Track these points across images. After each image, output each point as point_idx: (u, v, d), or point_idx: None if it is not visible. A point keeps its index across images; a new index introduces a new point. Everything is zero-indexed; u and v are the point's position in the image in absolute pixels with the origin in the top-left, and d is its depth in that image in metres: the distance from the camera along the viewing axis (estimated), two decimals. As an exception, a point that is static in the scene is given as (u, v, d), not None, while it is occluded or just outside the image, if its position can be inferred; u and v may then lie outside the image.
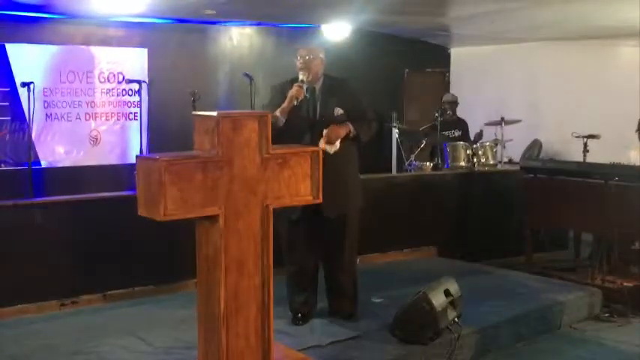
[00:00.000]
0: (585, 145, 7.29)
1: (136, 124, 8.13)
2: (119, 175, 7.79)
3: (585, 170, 6.13)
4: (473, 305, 4.75)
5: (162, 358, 4.05)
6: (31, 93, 6.75)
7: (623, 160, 6.40)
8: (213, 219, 3.11)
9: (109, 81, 8.24)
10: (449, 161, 7.55)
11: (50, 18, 7.79)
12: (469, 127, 8.58)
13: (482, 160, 7.51)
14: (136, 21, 8.19)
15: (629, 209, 5.59)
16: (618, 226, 5.66)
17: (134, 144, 8.13)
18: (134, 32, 8.35)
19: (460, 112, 8.70)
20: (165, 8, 7.60)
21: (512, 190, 6.89)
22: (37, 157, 7.68)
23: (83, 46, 8.10)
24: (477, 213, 6.87)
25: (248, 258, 3.22)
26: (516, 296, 5.36)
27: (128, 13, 7.68)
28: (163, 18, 8.31)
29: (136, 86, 7.63)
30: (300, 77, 4.43)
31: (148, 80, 7.96)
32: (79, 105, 8.07)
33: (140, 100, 7.61)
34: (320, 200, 3.46)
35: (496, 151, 7.79)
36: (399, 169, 8.17)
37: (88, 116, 8.14)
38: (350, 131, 4.42)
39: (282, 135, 4.35)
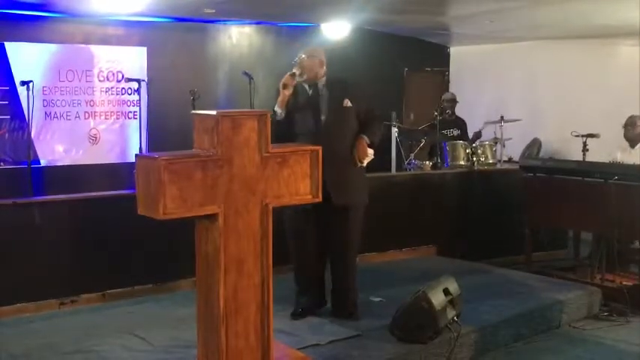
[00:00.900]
0: (585, 144, 7.29)
1: (135, 123, 8.12)
2: (118, 173, 7.79)
3: (585, 169, 6.12)
4: (472, 304, 4.76)
5: (162, 357, 4.05)
6: (31, 92, 6.74)
7: (610, 159, 6.44)
8: (212, 218, 3.11)
9: (108, 80, 8.23)
10: (448, 160, 7.54)
11: (49, 17, 7.78)
12: (468, 126, 8.57)
13: (482, 159, 7.50)
14: (136, 20, 8.18)
15: (629, 208, 5.58)
16: (618, 225, 5.66)
17: (133, 143, 8.12)
18: (133, 31, 8.34)
19: (460, 112, 8.69)
20: (165, 7, 7.60)
21: (511, 190, 6.88)
22: (36, 155, 7.68)
23: (82, 45, 8.10)
24: (477, 212, 6.87)
25: (247, 257, 3.22)
26: (516, 295, 5.36)
27: (127, 12, 7.68)
28: (163, 17, 8.30)
29: (135, 85, 7.61)
30: (294, 70, 4.46)
31: (148, 79, 7.95)
32: (78, 104, 8.06)
33: (139, 98, 7.60)
34: (320, 199, 3.46)
35: (496, 150, 7.78)
36: (399, 168, 8.16)
37: (87, 115, 8.14)
38: (367, 142, 4.52)
39: (292, 133, 4.36)
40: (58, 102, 7.92)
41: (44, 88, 7.78)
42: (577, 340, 4.98)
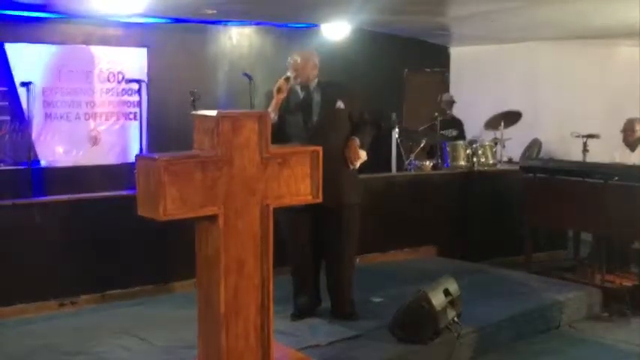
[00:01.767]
0: (585, 144, 7.29)
1: (135, 124, 8.13)
2: (119, 174, 7.77)
3: (585, 170, 6.13)
4: (472, 305, 4.75)
5: (162, 358, 4.05)
6: (31, 92, 6.75)
7: (609, 160, 6.43)
8: (212, 219, 3.11)
9: (108, 81, 8.23)
10: (448, 161, 7.55)
11: (50, 18, 7.78)
12: (468, 126, 8.57)
13: (482, 160, 7.50)
14: (136, 21, 8.18)
15: (629, 209, 5.58)
16: (618, 226, 5.66)
17: (134, 144, 8.13)
18: (134, 32, 8.35)
19: (460, 112, 8.70)
20: (165, 8, 7.60)
21: (511, 190, 6.88)
22: (36, 156, 7.68)
23: (83, 46, 8.10)
24: (477, 213, 6.87)
25: (248, 258, 3.22)
26: (516, 296, 5.36)
27: (128, 13, 7.68)
28: (163, 18, 8.30)
29: (135, 86, 7.62)
30: (288, 74, 4.47)
31: (148, 80, 7.95)
32: (78, 105, 8.06)
33: (140, 99, 7.60)
34: (320, 200, 3.46)
35: (496, 151, 7.78)
36: (399, 168, 8.16)
37: (87, 116, 8.14)
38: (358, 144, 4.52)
39: (283, 134, 4.38)
40: (58, 103, 7.92)
41: (44, 89, 7.78)
42: (577, 341, 4.98)
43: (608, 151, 6.80)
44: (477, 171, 7.33)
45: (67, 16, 7.85)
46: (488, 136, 8.19)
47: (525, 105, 9.17)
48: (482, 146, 7.61)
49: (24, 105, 7.12)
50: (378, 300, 5.03)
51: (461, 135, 8.39)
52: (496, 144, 7.87)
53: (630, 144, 6.62)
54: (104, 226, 5.15)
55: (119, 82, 8.26)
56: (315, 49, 4.88)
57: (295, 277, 4.71)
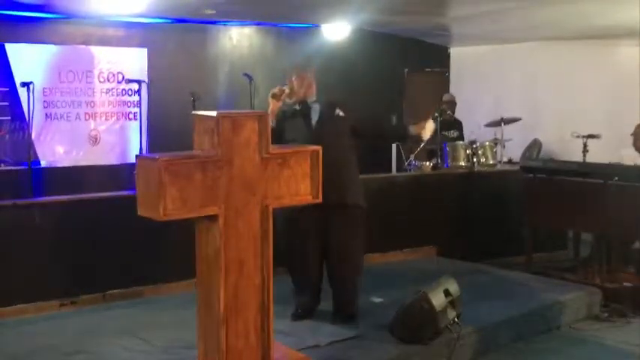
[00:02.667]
0: (585, 144, 7.29)
1: (135, 124, 8.12)
2: (119, 174, 7.79)
3: (585, 170, 6.13)
4: (472, 305, 4.76)
5: (162, 358, 4.05)
6: (31, 93, 6.73)
7: (618, 160, 6.42)
8: (212, 219, 3.11)
9: (108, 81, 8.23)
10: (448, 161, 7.55)
11: (50, 18, 7.78)
12: (468, 126, 8.58)
13: (482, 160, 7.50)
14: (136, 21, 8.18)
15: (629, 209, 5.58)
16: (618, 226, 5.66)
17: (134, 144, 8.13)
18: (134, 32, 8.35)
19: (460, 112, 8.69)
20: (165, 8, 7.60)
21: (511, 190, 6.88)
22: (36, 156, 7.68)
23: (83, 46, 8.10)
24: (477, 213, 6.87)
25: (248, 258, 3.22)
26: (516, 296, 5.36)
27: (128, 13, 7.68)
28: (163, 18, 8.31)
29: (135, 86, 7.62)
30: (284, 88, 4.53)
31: (148, 80, 7.95)
32: (78, 105, 8.06)
33: (140, 99, 7.60)
34: (320, 200, 3.46)
35: (496, 151, 7.78)
36: (399, 169, 8.16)
37: (87, 116, 8.14)
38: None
39: (280, 141, 4.36)
40: (58, 103, 7.92)
41: (44, 89, 7.78)
42: (577, 341, 4.98)
43: (608, 151, 6.80)
44: (477, 171, 7.33)
45: (67, 16, 7.85)
46: (488, 135, 8.19)
47: (525, 105, 9.18)
48: (483, 146, 7.61)
49: (24, 105, 7.10)
50: (378, 300, 5.04)
51: (461, 136, 8.40)
52: (496, 144, 7.87)
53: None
54: (104, 226, 5.15)
55: (119, 82, 8.26)
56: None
57: (296, 276, 4.71)
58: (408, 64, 10.30)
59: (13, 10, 7.44)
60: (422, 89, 10.29)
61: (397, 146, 8.17)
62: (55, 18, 7.82)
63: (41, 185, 7.41)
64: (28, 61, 7.69)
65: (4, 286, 4.74)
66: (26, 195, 6.45)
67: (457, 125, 8.51)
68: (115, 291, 5.18)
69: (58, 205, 5.21)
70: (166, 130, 7.90)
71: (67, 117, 8.00)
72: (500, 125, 8.02)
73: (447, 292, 4.34)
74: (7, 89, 7.60)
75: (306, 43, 9.12)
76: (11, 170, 7.52)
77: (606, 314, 5.44)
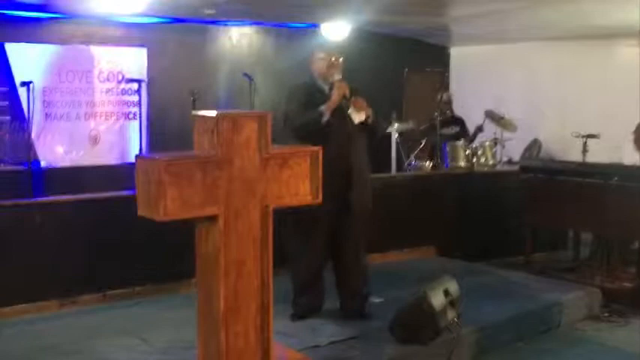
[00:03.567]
0: (585, 144, 7.29)
1: (135, 124, 8.12)
2: (119, 174, 7.77)
3: (585, 170, 6.13)
4: (472, 305, 4.76)
5: (162, 358, 4.06)
6: (31, 92, 6.74)
7: (618, 158, 6.41)
8: (212, 219, 3.11)
9: (108, 80, 8.24)
10: (448, 161, 7.55)
11: (50, 17, 7.78)
12: (467, 126, 8.57)
13: (482, 160, 7.50)
14: (136, 20, 8.19)
15: (629, 209, 5.59)
16: (618, 226, 5.66)
17: (134, 144, 8.13)
18: (133, 32, 8.35)
19: (460, 113, 8.69)
20: (165, 8, 7.60)
21: (511, 190, 6.88)
22: (36, 156, 7.67)
23: (83, 46, 8.10)
24: (477, 213, 6.87)
25: (248, 258, 3.22)
26: (516, 296, 5.36)
27: (128, 13, 7.68)
28: (163, 17, 8.31)
29: (135, 86, 7.62)
30: (336, 77, 4.48)
31: (148, 80, 7.96)
32: (78, 104, 8.07)
33: (140, 99, 7.61)
34: (320, 200, 3.46)
35: (495, 151, 7.78)
36: (399, 169, 8.16)
37: (87, 116, 8.14)
38: (369, 116, 4.51)
39: (327, 139, 4.25)
40: (58, 103, 7.92)
41: (44, 89, 7.78)
42: (577, 341, 4.98)
43: (608, 151, 6.80)
44: (477, 171, 7.33)
45: (67, 16, 7.85)
46: (489, 131, 8.18)
47: (525, 105, 9.18)
48: (482, 146, 7.62)
49: (24, 105, 7.10)
50: (378, 300, 5.03)
51: (464, 131, 8.36)
52: (496, 144, 7.87)
53: None
54: (104, 226, 5.15)
55: (119, 82, 8.26)
56: (315, 49, 4.88)
57: (299, 277, 4.68)
58: (408, 64, 10.31)
59: (13, 10, 7.45)
60: (422, 89, 10.29)
61: (397, 146, 8.16)
62: (55, 18, 7.82)
63: (41, 185, 7.41)
64: (28, 61, 7.70)
65: (4, 286, 4.73)
66: (26, 195, 6.44)
67: (457, 122, 8.50)
68: (114, 291, 5.17)
69: (57, 205, 5.21)
70: (166, 130, 7.91)
71: (67, 117, 8.00)
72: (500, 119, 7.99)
73: (447, 292, 4.34)
74: (7, 89, 7.60)
75: (306, 43, 9.10)
76: (11, 170, 7.51)
77: (606, 314, 5.44)
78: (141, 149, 7.46)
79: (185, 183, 2.99)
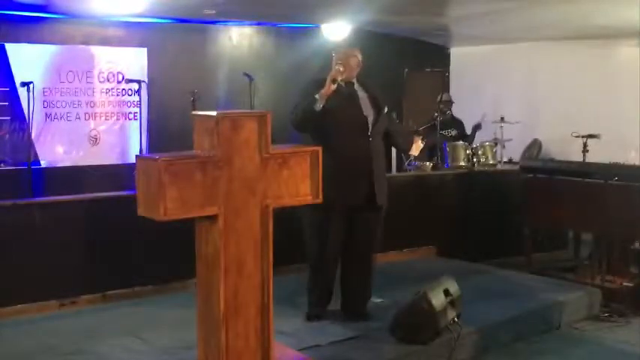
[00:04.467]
0: (585, 144, 7.29)
1: (135, 124, 8.13)
2: (119, 175, 7.79)
3: (585, 170, 6.13)
4: (472, 305, 4.75)
5: (162, 358, 4.05)
6: (31, 93, 6.74)
7: (622, 160, 6.41)
8: (212, 219, 3.11)
9: (108, 81, 8.24)
10: (448, 161, 7.55)
11: (50, 18, 7.79)
12: (468, 126, 8.57)
13: (482, 160, 7.50)
14: (136, 21, 8.19)
15: (629, 209, 5.58)
16: (618, 226, 5.66)
17: (134, 144, 8.13)
18: (134, 32, 8.35)
19: (460, 113, 8.69)
20: (165, 8, 7.60)
21: (512, 190, 6.88)
22: (36, 156, 7.68)
23: (83, 46, 8.10)
24: (477, 213, 6.87)
25: (247, 258, 3.22)
26: (516, 296, 5.36)
27: (128, 13, 7.68)
28: (163, 18, 8.31)
29: (135, 86, 7.62)
30: (338, 67, 4.44)
31: (148, 80, 7.96)
32: (78, 105, 8.07)
33: (140, 99, 7.60)
34: (320, 200, 3.46)
35: (496, 151, 7.78)
36: (399, 169, 8.16)
37: (87, 116, 8.14)
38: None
39: (326, 125, 4.32)
40: (58, 103, 7.93)
41: (44, 89, 7.79)
42: (577, 341, 4.98)
43: (608, 151, 6.80)
44: (477, 171, 7.33)
45: (67, 17, 7.85)
46: (489, 131, 8.19)
47: (525, 105, 9.18)
48: (483, 146, 7.62)
49: (24, 105, 7.11)
50: (378, 300, 5.03)
51: (462, 134, 8.38)
52: (496, 144, 7.87)
53: None
54: (104, 226, 5.15)
55: (119, 82, 8.26)
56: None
57: (323, 276, 4.62)
58: (408, 64, 10.31)
59: (13, 10, 7.45)
60: (422, 89, 10.30)
61: (397, 146, 8.15)
62: (55, 18, 7.82)
63: (41, 185, 7.42)
64: (28, 61, 7.70)
65: (4, 286, 4.73)
66: (26, 195, 6.45)
67: (456, 124, 8.51)
68: (115, 291, 5.17)
69: (58, 205, 5.21)
70: (166, 130, 7.91)
71: (67, 117, 8.00)
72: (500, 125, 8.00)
73: (447, 292, 4.34)
74: (7, 89, 7.60)
75: (306, 43, 9.12)
76: (11, 170, 7.52)
77: (606, 314, 5.44)
78: (141, 149, 7.46)
79: (185, 183, 3.00)
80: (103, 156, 8.23)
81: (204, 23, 8.71)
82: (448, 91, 9.66)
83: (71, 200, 5.26)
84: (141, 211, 3.08)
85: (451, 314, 4.33)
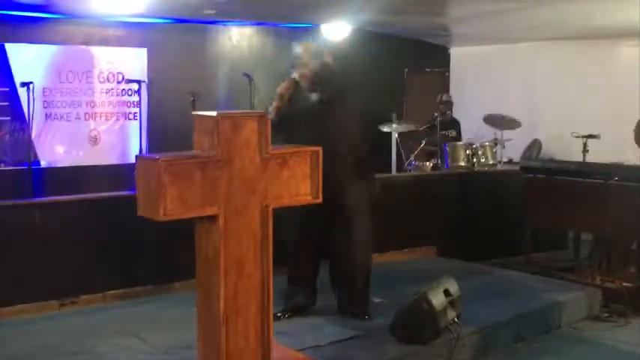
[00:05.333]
0: (585, 145, 7.29)
1: (135, 124, 8.13)
2: (119, 175, 7.79)
3: (585, 170, 6.13)
4: (472, 305, 4.75)
5: (162, 358, 4.05)
6: (31, 93, 6.75)
7: (622, 160, 6.41)
8: (212, 219, 3.11)
9: (108, 81, 8.24)
10: (448, 161, 7.55)
11: (50, 18, 7.79)
12: (468, 126, 8.59)
13: (482, 160, 7.51)
14: (136, 21, 8.19)
15: (629, 209, 5.58)
16: (618, 226, 5.66)
17: (134, 144, 8.13)
18: (134, 32, 8.35)
19: (460, 113, 8.70)
20: (165, 8, 7.61)
21: (512, 190, 6.88)
22: (36, 157, 7.68)
23: (83, 46, 8.10)
24: (477, 213, 6.87)
25: (247, 258, 3.22)
26: (516, 296, 5.36)
27: (128, 13, 7.68)
28: (163, 18, 8.31)
29: (135, 86, 7.63)
30: (293, 75, 4.38)
31: (148, 80, 7.96)
32: (78, 105, 8.07)
33: (140, 100, 7.61)
34: (320, 200, 3.46)
35: (496, 151, 7.79)
36: (399, 169, 8.17)
37: (87, 116, 8.14)
38: None
39: (283, 133, 4.30)
40: (58, 103, 7.93)
41: (44, 90, 7.79)
42: (577, 341, 4.98)
43: (608, 151, 6.80)
44: (477, 171, 7.33)
45: (67, 17, 7.86)
46: (487, 132, 8.19)
47: (525, 105, 9.18)
48: (483, 147, 7.62)
49: (24, 105, 7.12)
50: (378, 300, 5.03)
51: (458, 136, 8.41)
52: (496, 144, 7.87)
53: None
54: (104, 226, 5.15)
55: (119, 83, 8.26)
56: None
57: (295, 275, 4.69)
58: (408, 64, 10.31)
59: (13, 10, 7.45)
60: (422, 89, 10.30)
61: (397, 146, 8.17)
62: (55, 18, 7.82)
63: (41, 185, 7.42)
64: (28, 61, 7.70)
65: (4, 286, 4.73)
66: (26, 195, 6.46)
67: (455, 125, 8.52)
68: (115, 291, 5.17)
69: (58, 205, 5.21)
70: (166, 130, 7.90)
71: (67, 117, 8.00)
72: (500, 121, 7.99)
73: (447, 292, 4.34)
74: (7, 89, 7.60)
75: (306, 43, 9.10)
76: (11, 170, 7.53)
77: (606, 314, 5.44)
78: (141, 149, 7.46)
79: (185, 183, 2.99)
80: (103, 156, 8.23)
81: (204, 23, 8.71)
82: (448, 92, 9.67)
83: (71, 200, 5.26)
84: (141, 211, 3.07)
85: (451, 314, 4.33)
